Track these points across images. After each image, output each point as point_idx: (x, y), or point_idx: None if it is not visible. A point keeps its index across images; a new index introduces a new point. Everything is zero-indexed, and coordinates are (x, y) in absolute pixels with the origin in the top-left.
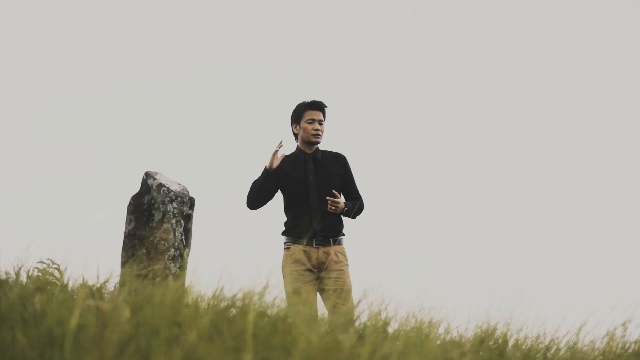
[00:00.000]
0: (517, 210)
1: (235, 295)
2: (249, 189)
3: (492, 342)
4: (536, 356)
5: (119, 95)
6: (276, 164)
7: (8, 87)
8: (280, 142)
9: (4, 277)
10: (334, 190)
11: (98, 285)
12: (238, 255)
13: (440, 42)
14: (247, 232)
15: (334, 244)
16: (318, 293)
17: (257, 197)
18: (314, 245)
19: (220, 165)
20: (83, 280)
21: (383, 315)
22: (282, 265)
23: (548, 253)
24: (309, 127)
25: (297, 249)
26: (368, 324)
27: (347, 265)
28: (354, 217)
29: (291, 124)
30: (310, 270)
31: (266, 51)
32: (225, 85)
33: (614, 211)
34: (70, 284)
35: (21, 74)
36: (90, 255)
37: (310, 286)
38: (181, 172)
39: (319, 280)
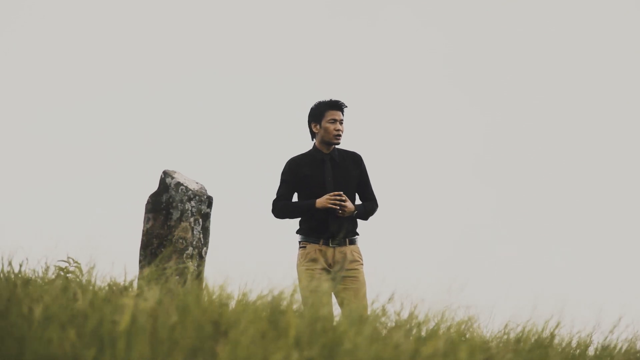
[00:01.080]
0: (518, 210)
1: (268, 295)
2: (282, 205)
3: (531, 342)
4: (574, 357)
5: (134, 94)
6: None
7: (9, 87)
8: (342, 195)
9: (30, 275)
10: (340, 192)
11: (126, 284)
12: (257, 254)
13: (440, 42)
14: (264, 230)
15: (349, 243)
16: (333, 292)
17: (288, 217)
18: (330, 245)
19: (236, 163)
20: (111, 279)
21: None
22: (297, 264)
23: (551, 252)
24: (331, 127)
25: (313, 248)
26: (402, 323)
27: (362, 264)
28: (366, 219)
29: (310, 122)
30: (325, 269)
31: (267, 51)
32: (228, 85)
33: (615, 211)
34: (97, 283)
35: (23, 74)
36: (108, 254)
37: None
38: (198, 171)
39: (334, 279)
